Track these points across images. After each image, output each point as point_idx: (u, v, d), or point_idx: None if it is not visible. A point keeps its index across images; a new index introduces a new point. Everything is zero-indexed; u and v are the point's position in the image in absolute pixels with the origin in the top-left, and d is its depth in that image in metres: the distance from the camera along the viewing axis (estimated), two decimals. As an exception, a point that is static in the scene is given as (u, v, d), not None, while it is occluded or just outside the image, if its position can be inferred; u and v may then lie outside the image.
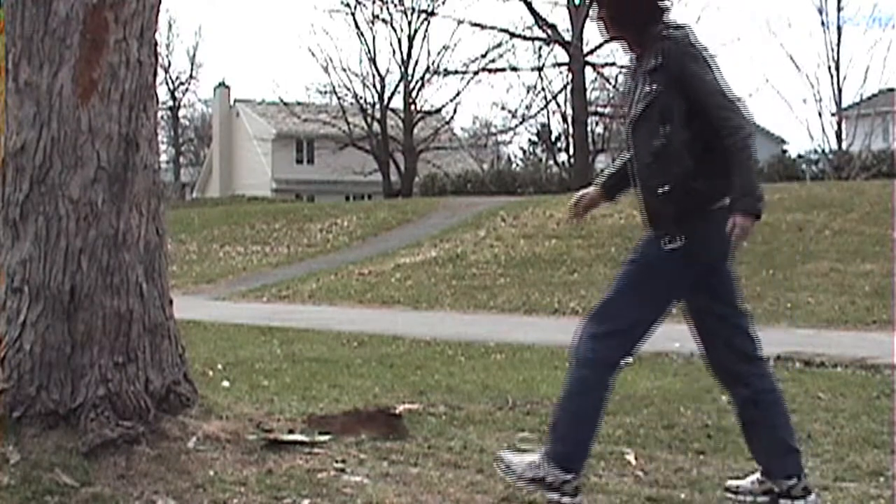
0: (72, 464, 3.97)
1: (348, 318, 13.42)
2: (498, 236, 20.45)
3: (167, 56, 58.14)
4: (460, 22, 42.34)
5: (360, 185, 44.89)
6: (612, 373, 3.86)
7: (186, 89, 61.50)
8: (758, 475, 4.05)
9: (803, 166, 32.26)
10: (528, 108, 39.48)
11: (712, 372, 4.10)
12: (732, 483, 4.10)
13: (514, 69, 38.17)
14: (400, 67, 40.77)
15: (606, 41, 3.96)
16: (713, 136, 3.71)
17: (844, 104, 35.00)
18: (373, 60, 41.02)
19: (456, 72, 39.46)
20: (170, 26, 59.04)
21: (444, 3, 49.61)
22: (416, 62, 40.75)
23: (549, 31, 36.45)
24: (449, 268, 18.38)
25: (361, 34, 41.39)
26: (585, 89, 36.62)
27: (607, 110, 40.98)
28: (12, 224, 4.31)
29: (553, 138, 45.04)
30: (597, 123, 41.03)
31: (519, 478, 3.86)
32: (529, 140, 49.95)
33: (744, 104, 3.75)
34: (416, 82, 41.02)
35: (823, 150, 33.08)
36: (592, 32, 34.94)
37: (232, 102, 54.77)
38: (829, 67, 34.60)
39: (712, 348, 4.02)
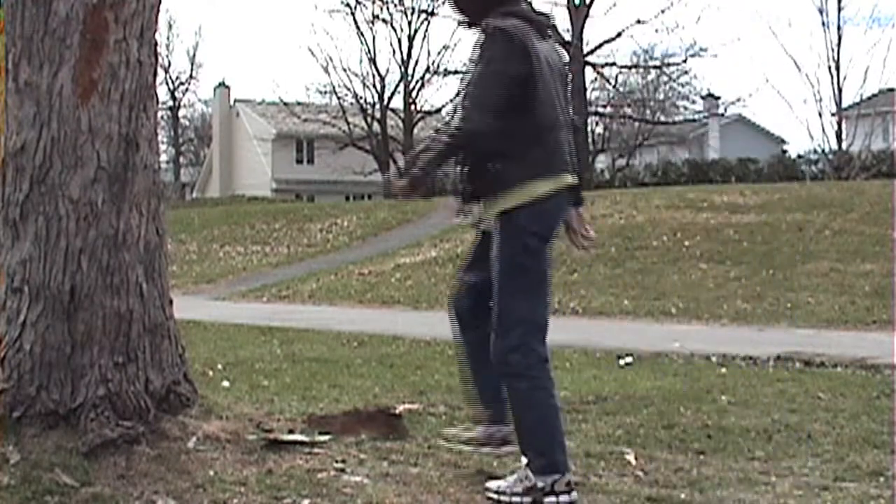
0: (72, 464, 3.98)
1: (348, 318, 13.42)
2: (498, 236, 20.40)
3: (167, 56, 58.17)
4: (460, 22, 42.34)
5: (360, 185, 44.89)
6: (545, 367, 3.91)
7: (186, 89, 61.52)
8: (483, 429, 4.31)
9: (803, 166, 32.29)
10: (528, 108, 39.40)
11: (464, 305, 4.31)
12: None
13: (514, 69, 38.12)
14: (400, 67, 40.86)
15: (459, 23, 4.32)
16: (513, 122, 3.81)
17: (844, 104, 34.97)
18: (373, 60, 41.09)
19: (456, 72, 39.46)
20: (170, 26, 58.98)
21: (444, 3, 49.60)
22: (416, 62, 40.84)
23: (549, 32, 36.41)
24: (449, 268, 18.37)
25: (361, 34, 41.48)
26: (585, 89, 36.62)
27: (607, 110, 41.02)
28: (12, 224, 4.32)
29: (553, 138, 44.96)
30: (597, 123, 41.05)
31: (513, 495, 3.88)
32: (529, 140, 49.89)
33: (486, 115, 3.79)
34: (416, 82, 41.08)
35: (823, 150, 33.07)
36: (592, 32, 34.97)
37: (232, 102, 54.78)
38: (829, 67, 34.57)
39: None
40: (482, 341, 4.04)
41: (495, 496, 3.93)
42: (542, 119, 3.88)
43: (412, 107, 41.25)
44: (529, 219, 3.89)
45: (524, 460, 3.96)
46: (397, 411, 5.31)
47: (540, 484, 3.83)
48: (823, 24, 35.93)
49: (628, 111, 40.89)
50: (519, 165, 3.86)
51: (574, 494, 3.86)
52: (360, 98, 40.99)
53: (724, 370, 7.94)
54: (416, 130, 40.93)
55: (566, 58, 3.99)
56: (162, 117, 55.44)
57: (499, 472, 4.36)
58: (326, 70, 49.81)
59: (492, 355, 3.96)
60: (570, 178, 3.98)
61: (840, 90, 34.48)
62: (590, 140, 38.24)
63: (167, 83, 58.65)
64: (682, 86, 42.96)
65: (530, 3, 4.12)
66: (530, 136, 3.86)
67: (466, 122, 3.83)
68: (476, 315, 4.21)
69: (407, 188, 3.89)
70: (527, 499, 3.86)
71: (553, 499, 3.82)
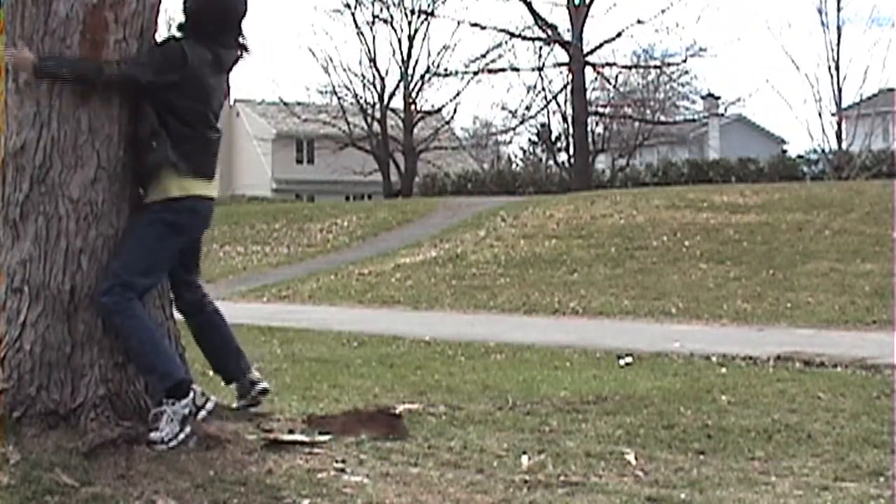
0: (72, 464, 3.98)
1: (348, 318, 13.41)
2: (498, 236, 20.44)
3: (167, 56, 58.00)
4: (460, 22, 42.35)
5: (360, 185, 44.89)
6: (135, 303, 4.30)
7: (186, 89, 61.37)
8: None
9: (803, 166, 32.27)
10: (528, 108, 39.51)
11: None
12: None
13: (514, 69, 38.20)
14: (400, 67, 40.82)
15: None
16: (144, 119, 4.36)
17: (844, 104, 34.89)
18: (373, 60, 41.02)
19: (456, 72, 39.53)
20: (169, 26, 57.86)
21: (444, 3, 49.64)
22: (416, 62, 40.80)
23: (549, 31, 36.47)
24: (449, 268, 18.37)
25: (361, 34, 41.33)
26: (585, 89, 36.63)
27: (607, 110, 41.01)
28: (12, 224, 4.32)
29: (553, 138, 45.01)
30: (597, 123, 41.05)
31: (173, 437, 4.19)
32: (529, 140, 49.93)
33: (146, 72, 4.36)
34: (416, 82, 41.06)
35: (823, 150, 33.03)
36: (592, 32, 35.01)
37: (232, 102, 54.72)
38: (829, 67, 34.44)
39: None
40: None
41: (162, 446, 4.15)
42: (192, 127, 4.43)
43: (412, 107, 41.22)
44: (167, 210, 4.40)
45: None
46: (397, 411, 5.31)
47: (183, 410, 4.24)
48: (823, 24, 35.81)
49: (628, 111, 40.85)
50: (172, 153, 4.33)
51: (211, 403, 4.39)
52: (360, 98, 40.97)
53: (724, 370, 7.94)
54: (416, 130, 40.93)
55: (228, 98, 4.88)
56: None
57: (498, 473, 4.37)
58: (326, 70, 49.53)
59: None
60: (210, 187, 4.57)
61: (840, 90, 34.43)
62: (590, 140, 38.22)
63: (167, 83, 58.55)
64: (682, 86, 42.94)
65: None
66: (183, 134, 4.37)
67: (124, 69, 4.31)
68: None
69: (22, 62, 4.22)
70: (185, 431, 4.22)
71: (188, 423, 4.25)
